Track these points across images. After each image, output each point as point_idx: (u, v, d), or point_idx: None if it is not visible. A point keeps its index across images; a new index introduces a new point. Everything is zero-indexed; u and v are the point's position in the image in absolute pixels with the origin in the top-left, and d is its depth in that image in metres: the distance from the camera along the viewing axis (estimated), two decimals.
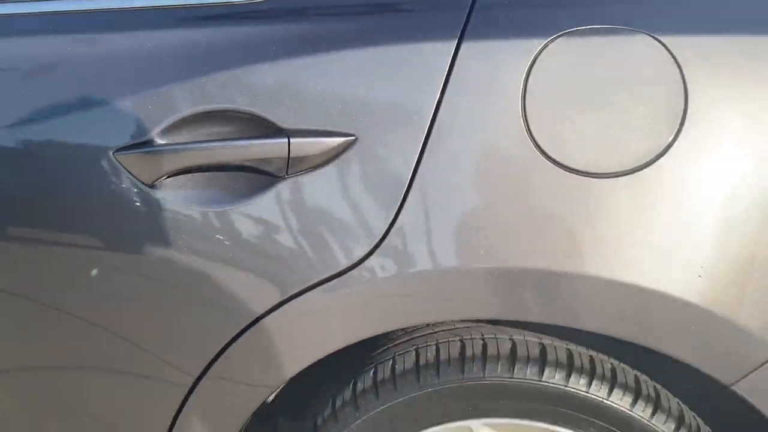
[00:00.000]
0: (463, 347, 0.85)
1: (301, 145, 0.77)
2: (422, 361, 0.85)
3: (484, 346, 0.84)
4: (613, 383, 0.81)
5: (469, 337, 0.87)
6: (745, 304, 0.73)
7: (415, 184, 0.76)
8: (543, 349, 0.83)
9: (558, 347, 0.84)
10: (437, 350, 0.86)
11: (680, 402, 0.83)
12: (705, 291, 0.73)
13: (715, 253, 0.73)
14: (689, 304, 0.73)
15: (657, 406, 0.81)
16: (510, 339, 0.85)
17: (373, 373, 0.88)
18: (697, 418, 0.84)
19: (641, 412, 0.80)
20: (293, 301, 0.80)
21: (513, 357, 0.82)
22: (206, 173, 0.81)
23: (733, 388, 0.75)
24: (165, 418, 0.86)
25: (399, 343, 0.91)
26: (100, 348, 0.85)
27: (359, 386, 0.88)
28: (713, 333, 0.74)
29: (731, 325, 0.73)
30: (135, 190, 0.81)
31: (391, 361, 0.87)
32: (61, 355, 0.88)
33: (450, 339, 0.87)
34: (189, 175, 0.81)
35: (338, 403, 0.89)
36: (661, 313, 0.74)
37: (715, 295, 0.73)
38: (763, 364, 0.74)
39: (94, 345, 0.85)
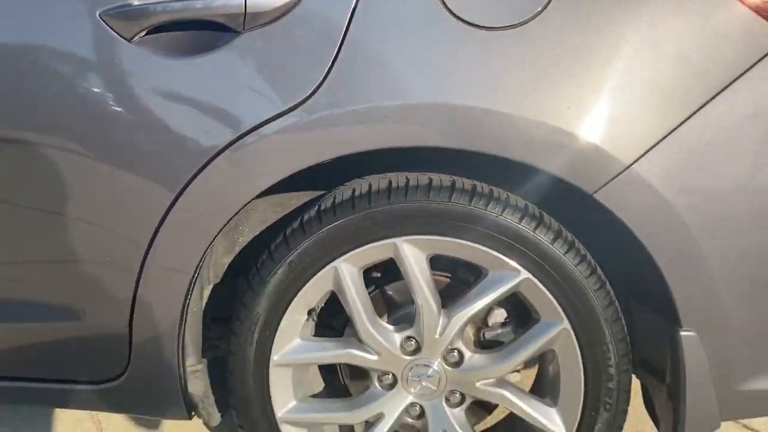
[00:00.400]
0: (390, 182, 1.05)
1: (255, 3, 0.95)
2: (356, 193, 1.05)
3: (407, 180, 1.04)
4: (505, 205, 1.02)
5: (394, 177, 1.07)
6: (601, 129, 0.94)
7: (349, 36, 0.95)
8: (453, 182, 1.04)
9: (465, 181, 1.04)
10: (369, 185, 1.05)
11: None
12: (571, 119, 0.94)
13: (580, 89, 0.94)
14: (560, 130, 0.94)
15: (540, 223, 1.02)
16: (427, 176, 1.05)
17: (318, 205, 1.07)
18: (571, 235, 1.05)
19: (527, 225, 1.02)
20: (250, 134, 0.98)
21: (428, 186, 1.03)
22: (178, 31, 0.99)
23: (595, 196, 0.97)
24: (145, 238, 1.04)
25: (338, 187, 1.11)
26: (92, 170, 1.02)
27: (305, 216, 1.07)
28: (578, 152, 0.95)
29: (592, 146, 0.95)
30: (117, 45, 0.98)
31: (332, 196, 1.07)
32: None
33: (380, 179, 1.07)
34: (163, 33, 0.99)
35: (288, 231, 1.08)
36: (542, 137, 0.95)
37: (579, 122, 0.94)
38: (615, 176, 0.96)
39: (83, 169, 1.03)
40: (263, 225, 1.21)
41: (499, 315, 1.17)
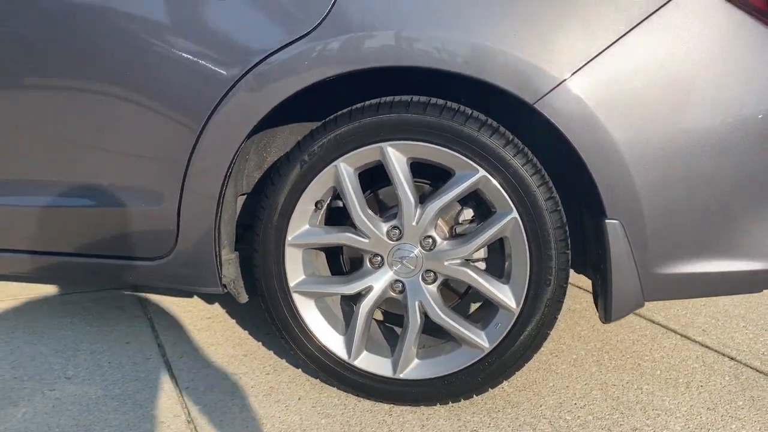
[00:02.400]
0: (380, 101, 1.34)
1: None
2: (353, 108, 1.35)
3: (392, 99, 1.34)
4: (467, 117, 1.30)
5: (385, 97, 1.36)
6: (541, 52, 1.22)
7: None
8: (429, 99, 1.32)
9: (438, 100, 1.33)
10: (363, 104, 1.35)
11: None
12: (518, 44, 1.22)
13: (527, 21, 1.22)
14: (502, 51, 1.22)
15: (495, 131, 1.30)
16: (409, 96, 1.34)
17: (333, 117, 1.37)
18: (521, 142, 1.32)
19: (484, 133, 1.29)
20: (273, 55, 1.29)
21: (408, 102, 1.32)
22: None
23: (535, 105, 1.24)
24: (192, 138, 1.36)
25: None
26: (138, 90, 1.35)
27: (315, 127, 1.38)
28: (521, 70, 1.22)
29: (533, 65, 1.22)
30: None
31: (339, 112, 1.37)
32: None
33: (372, 101, 1.36)
34: None
35: (301, 138, 1.39)
36: (495, 59, 1.23)
37: (522, 42, 1.22)
38: (550, 91, 1.23)
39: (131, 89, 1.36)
40: (286, 147, 1.52)
41: (467, 213, 1.46)
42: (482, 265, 1.48)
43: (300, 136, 1.45)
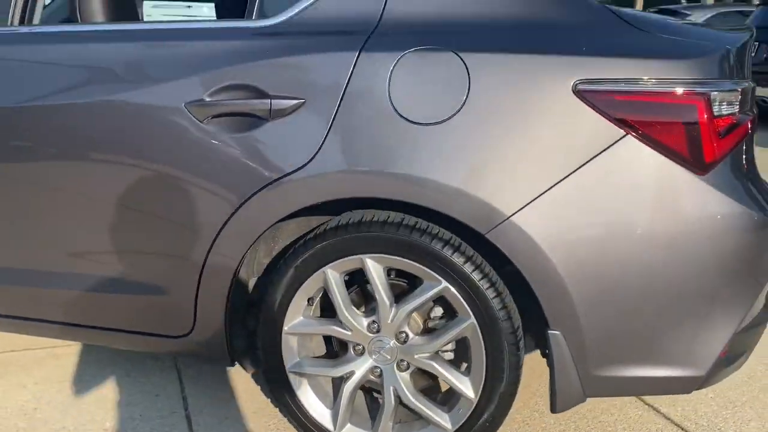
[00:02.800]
0: (362, 217, 1.59)
1: (276, 103, 1.52)
2: (339, 223, 1.60)
3: (373, 215, 1.58)
4: (433, 237, 1.53)
5: (368, 213, 1.60)
6: (491, 190, 1.44)
7: (332, 130, 1.50)
8: (402, 219, 1.56)
9: (410, 218, 1.56)
10: (349, 218, 1.60)
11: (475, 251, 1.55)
12: (467, 180, 1.44)
13: (479, 162, 1.44)
14: (460, 191, 1.45)
15: (456, 250, 1.53)
16: (386, 214, 1.58)
17: (314, 230, 1.63)
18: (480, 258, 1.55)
19: (447, 251, 1.52)
20: (276, 181, 1.55)
21: (385, 221, 1.56)
22: (232, 116, 1.57)
23: (486, 235, 1.47)
24: (209, 240, 1.63)
25: (331, 218, 1.66)
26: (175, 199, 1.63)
27: (308, 236, 1.63)
28: (470, 204, 1.45)
29: (480, 201, 1.44)
30: (192, 124, 1.58)
31: (324, 225, 1.62)
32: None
33: (355, 214, 1.61)
34: (224, 115, 1.57)
35: (296, 245, 1.64)
36: (447, 193, 1.46)
37: (471, 182, 1.44)
38: (499, 224, 1.45)
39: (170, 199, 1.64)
40: (291, 239, 1.78)
41: (438, 311, 1.69)
42: (451, 354, 1.71)
43: (304, 230, 1.71)
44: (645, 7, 20.41)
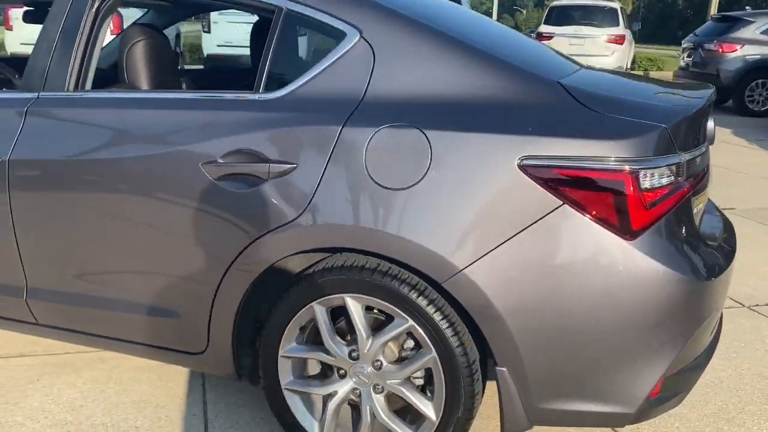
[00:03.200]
0: (344, 262, 1.87)
1: (273, 167, 1.82)
2: (325, 266, 1.89)
3: (354, 260, 1.86)
4: (401, 282, 1.80)
5: (350, 257, 1.89)
6: (445, 245, 1.70)
7: (317, 191, 1.79)
8: (378, 265, 1.83)
9: (385, 264, 1.83)
10: (333, 264, 1.89)
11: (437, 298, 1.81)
12: (428, 237, 1.71)
13: (433, 224, 1.70)
14: (421, 246, 1.71)
15: (421, 293, 1.79)
16: (365, 259, 1.86)
17: (304, 270, 1.93)
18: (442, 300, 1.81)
19: (413, 294, 1.79)
20: (270, 232, 1.85)
21: (362, 266, 1.84)
22: (238, 176, 1.89)
23: (443, 285, 1.73)
24: (219, 275, 1.95)
25: (320, 260, 1.95)
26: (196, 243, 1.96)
27: (301, 275, 1.93)
28: (430, 257, 1.71)
29: (438, 256, 1.70)
30: (207, 181, 1.90)
31: (313, 267, 1.92)
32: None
33: (339, 258, 1.89)
34: (233, 175, 1.89)
35: (291, 284, 1.95)
36: (411, 247, 1.72)
37: (431, 239, 1.70)
38: (453, 275, 1.70)
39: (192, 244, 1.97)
40: (293, 272, 2.09)
41: (410, 343, 1.96)
42: (421, 381, 1.98)
43: (306, 263, 2.01)
44: (719, 10, 19.94)
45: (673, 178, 1.71)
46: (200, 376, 2.57)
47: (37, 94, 2.17)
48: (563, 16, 15.22)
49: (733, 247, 2.11)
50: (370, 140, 1.77)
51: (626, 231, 1.66)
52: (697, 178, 1.87)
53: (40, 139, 2.13)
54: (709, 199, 2.52)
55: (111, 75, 2.58)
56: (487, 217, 1.70)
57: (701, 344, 1.89)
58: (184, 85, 2.76)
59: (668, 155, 1.70)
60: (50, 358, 2.68)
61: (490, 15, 25.51)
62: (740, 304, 3.43)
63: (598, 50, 14.66)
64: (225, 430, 2.24)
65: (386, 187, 1.75)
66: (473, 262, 1.70)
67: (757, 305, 3.42)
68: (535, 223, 1.67)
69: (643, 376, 1.73)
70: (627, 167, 1.64)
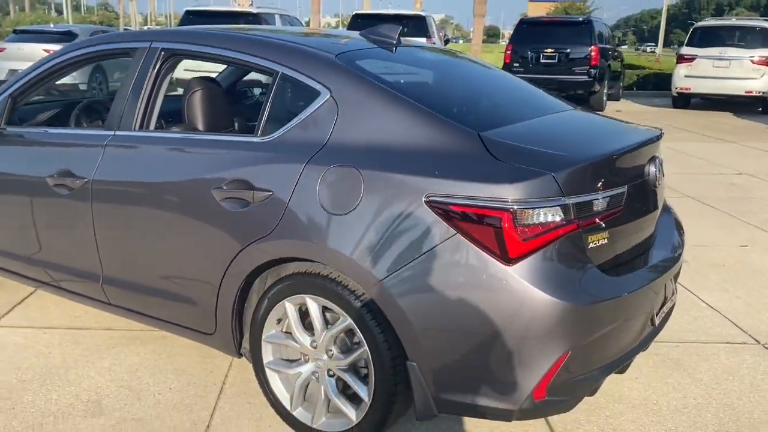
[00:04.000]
0: (306, 269, 2.39)
1: (256, 193, 2.40)
2: (294, 272, 2.42)
3: (313, 269, 2.38)
4: (345, 287, 2.28)
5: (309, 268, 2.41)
6: (368, 259, 2.16)
7: (285, 213, 2.34)
8: (330, 272, 2.33)
9: (334, 272, 2.33)
10: (299, 269, 2.41)
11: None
12: (357, 253, 2.18)
13: (361, 243, 2.18)
14: (351, 259, 2.19)
15: (358, 297, 2.26)
16: (323, 267, 2.37)
17: (285, 275, 2.47)
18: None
19: (351, 297, 2.27)
20: (250, 245, 2.43)
21: (318, 273, 2.35)
22: (234, 199, 2.48)
23: (366, 292, 2.19)
24: (221, 273, 2.56)
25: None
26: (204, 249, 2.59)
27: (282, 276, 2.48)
28: (358, 268, 2.19)
29: (363, 268, 2.17)
30: (214, 202, 2.52)
31: (285, 270, 2.46)
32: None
33: (302, 268, 2.42)
34: (231, 198, 2.49)
35: (273, 283, 2.50)
36: (343, 260, 2.21)
37: (359, 254, 2.18)
38: (374, 284, 2.16)
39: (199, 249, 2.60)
40: (279, 276, 2.64)
41: (355, 338, 2.42)
42: (365, 369, 2.44)
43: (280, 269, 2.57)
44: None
45: (553, 217, 2.05)
46: (229, 357, 3.20)
47: (113, 132, 2.92)
48: (708, 37, 14.64)
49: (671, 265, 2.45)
50: (322, 176, 2.29)
51: (504, 258, 2.03)
52: (604, 215, 2.18)
53: (113, 165, 2.87)
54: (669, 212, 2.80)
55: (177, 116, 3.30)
56: (401, 239, 2.15)
57: (592, 360, 2.18)
58: (236, 124, 3.44)
59: (550, 198, 2.05)
60: (127, 333, 3.45)
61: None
62: (756, 341, 3.49)
63: (745, 73, 13.95)
64: (234, 396, 2.84)
65: (330, 212, 2.26)
66: (389, 275, 2.16)
67: None
68: (436, 246, 2.10)
69: (524, 379, 2.08)
70: (506, 206, 2.02)
